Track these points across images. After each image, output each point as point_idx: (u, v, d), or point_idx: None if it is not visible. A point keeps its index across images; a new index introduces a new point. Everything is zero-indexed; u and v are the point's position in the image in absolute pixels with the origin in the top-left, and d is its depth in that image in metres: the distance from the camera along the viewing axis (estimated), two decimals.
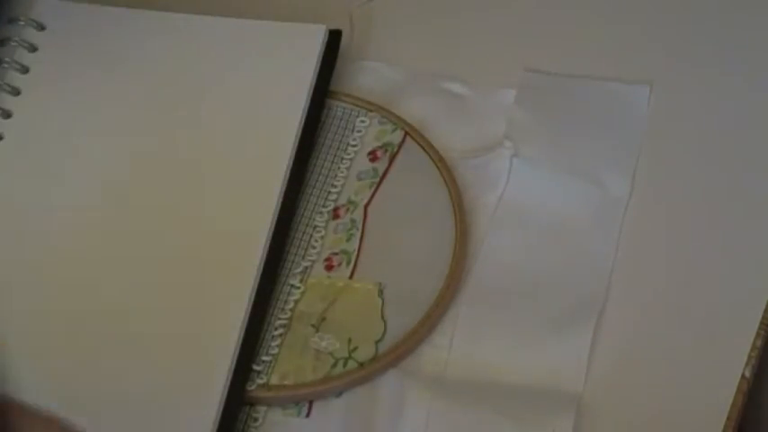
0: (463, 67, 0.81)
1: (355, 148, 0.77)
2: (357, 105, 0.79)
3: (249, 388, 0.67)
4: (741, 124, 0.77)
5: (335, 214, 0.74)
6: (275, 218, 0.71)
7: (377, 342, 0.68)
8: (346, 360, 0.68)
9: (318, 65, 0.77)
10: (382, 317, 0.69)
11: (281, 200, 0.72)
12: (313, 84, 0.77)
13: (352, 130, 0.77)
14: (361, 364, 0.68)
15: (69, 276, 0.71)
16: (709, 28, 0.82)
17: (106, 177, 0.74)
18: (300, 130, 0.75)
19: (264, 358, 0.68)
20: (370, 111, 0.78)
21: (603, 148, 0.77)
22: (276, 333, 0.69)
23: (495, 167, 0.76)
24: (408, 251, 0.72)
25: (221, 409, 0.65)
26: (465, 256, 0.72)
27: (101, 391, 0.66)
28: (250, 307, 0.68)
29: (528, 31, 0.83)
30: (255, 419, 0.67)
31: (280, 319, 0.70)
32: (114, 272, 0.70)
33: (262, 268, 0.70)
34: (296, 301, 0.70)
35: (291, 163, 0.73)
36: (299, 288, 0.71)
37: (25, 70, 0.78)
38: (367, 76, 0.82)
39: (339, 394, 0.68)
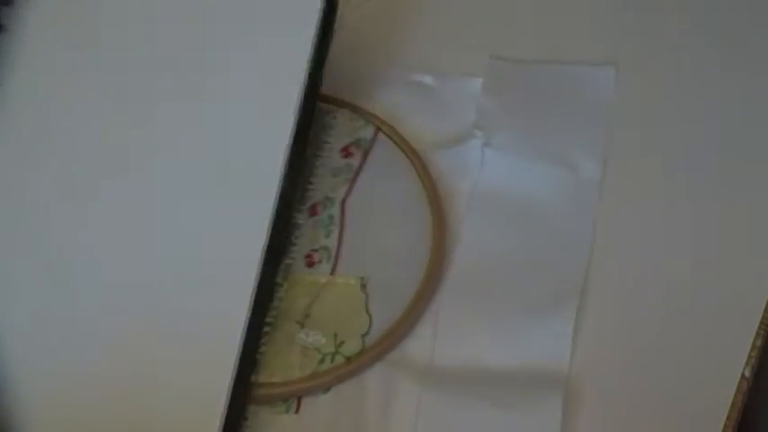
0: (429, 58, 0.82)
1: (328, 145, 0.77)
2: (326, 102, 0.79)
3: None
4: (706, 99, 0.79)
5: (313, 211, 0.74)
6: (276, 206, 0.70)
7: (363, 336, 0.69)
8: (333, 355, 0.68)
9: (317, 32, 0.74)
10: (367, 310, 0.70)
11: (282, 180, 0.71)
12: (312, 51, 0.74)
13: (324, 127, 0.78)
14: (349, 359, 0.68)
15: (66, 264, 0.69)
16: (670, 7, 0.83)
17: (97, 152, 0.72)
18: (301, 101, 0.72)
19: None
20: (341, 107, 0.79)
21: (573, 132, 0.77)
22: (261, 331, 0.70)
23: (468, 158, 0.77)
24: (388, 244, 0.73)
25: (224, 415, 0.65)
26: (444, 247, 0.72)
27: (105, 398, 0.66)
28: (251, 305, 0.68)
29: (492, 18, 0.84)
30: (245, 419, 0.67)
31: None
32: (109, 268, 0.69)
33: (262, 259, 0.69)
34: (279, 299, 0.71)
35: (292, 138, 0.71)
36: (281, 285, 0.71)
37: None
38: (335, 70, 0.81)
39: (327, 390, 0.68)
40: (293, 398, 0.68)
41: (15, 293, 0.69)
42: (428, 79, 0.81)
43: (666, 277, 0.71)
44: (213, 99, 0.74)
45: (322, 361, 0.68)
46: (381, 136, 0.77)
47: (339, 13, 0.78)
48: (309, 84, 0.73)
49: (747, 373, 0.67)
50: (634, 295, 0.70)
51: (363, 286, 0.71)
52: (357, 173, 0.76)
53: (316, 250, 0.73)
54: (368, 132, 0.77)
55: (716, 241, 0.72)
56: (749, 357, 0.67)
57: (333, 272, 0.72)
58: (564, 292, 0.70)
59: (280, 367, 0.68)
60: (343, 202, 0.74)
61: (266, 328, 0.70)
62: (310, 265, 0.72)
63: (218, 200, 0.71)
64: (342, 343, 0.69)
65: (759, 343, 0.67)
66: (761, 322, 0.68)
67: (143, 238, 0.70)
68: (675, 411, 0.66)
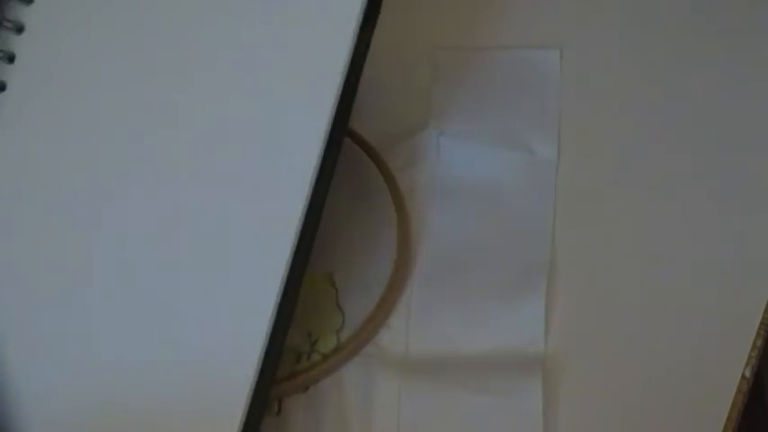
0: (375, 51, 0.82)
1: None
2: None
3: None
4: (647, 76, 0.80)
5: None
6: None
7: (337, 331, 0.69)
8: (309, 353, 0.68)
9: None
10: (338, 306, 0.70)
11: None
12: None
13: None
14: (325, 356, 0.68)
15: (71, 277, 0.64)
16: None
17: (113, 155, 0.65)
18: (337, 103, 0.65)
19: None
20: None
21: (525, 114, 0.78)
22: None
23: (424, 148, 0.77)
24: (353, 240, 0.73)
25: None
26: (409, 238, 0.73)
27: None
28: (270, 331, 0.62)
29: (436, 8, 0.84)
30: None
31: None
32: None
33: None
34: None
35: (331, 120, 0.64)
36: None
37: (20, 29, 0.65)
38: None
39: (306, 389, 0.68)
40: (274, 400, 0.68)
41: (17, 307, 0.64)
42: (376, 74, 0.81)
43: (638, 257, 0.72)
44: (240, 97, 0.65)
45: (298, 360, 0.68)
46: None
47: None
48: (347, 81, 0.66)
49: (747, 374, 0.67)
50: (605, 273, 0.71)
51: (333, 282, 0.71)
52: None
53: None
54: None
55: (702, 233, 0.73)
56: (749, 357, 0.67)
57: None
58: (532, 273, 0.71)
59: None
60: None
61: None
62: None
63: (239, 210, 0.64)
64: (317, 340, 0.69)
65: (759, 343, 0.68)
66: (761, 322, 0.68)
67: (156, 249, 0.64)
68: (675, 411, 0.67)
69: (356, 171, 0.75)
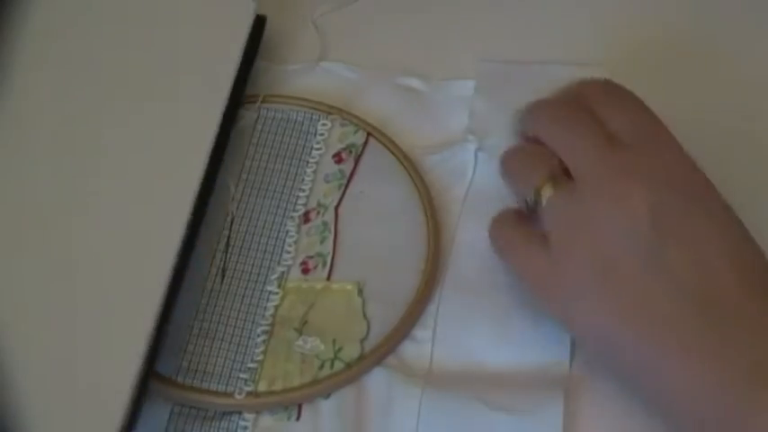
0: (419, 61, 0.82)
1: (320, 152, 0.77)
2: (317, 109, 0.79)
3: (237, 396, 0.67)
4: (694, 98, 0.79)
5: (306, 218, 0.74)
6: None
7: (362, 341, 0.69)
8: (332, 361, 0.68)
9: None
10: (364, 315, 0.70)
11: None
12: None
13: (315, 134, 0.78)
14: (348, 364, 0.68)
15: None
16: (656, 6, 0.83)
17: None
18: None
19: (250, 365, 0.68)
20: (330, 113, 0.78)
21: None
22: (259, 340, 0.69)
23: (461, 161, 0.76)
24: (383, 249, 0.73)
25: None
26: (440, 251, 0.72)
27: None
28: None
29: (481, 19, 0.84)
30: (245, 428, 0.67)
31: (261, 325, 0.70)
32: None
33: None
34: (276, 307, 0.71)
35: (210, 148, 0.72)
36: (277, 293, 0.71)
37: None
38: (323, 77, 0.81)
39: (327, 396, 0.68)
40: (294, 405, 0.68)
41: None
42: (417, 83, 0.81)
43: None
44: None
45: (321, 367, 0.68)
46: (373, 141, 0.77)
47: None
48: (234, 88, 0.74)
49: None
50: None
51: (360, 291, 0.71)
52: (350, 178, 0.75)
53: (311, 257, 0.72)
54: (359, 138, 0.77)
55: None
56: None
57: (329, 278, 0.72)
58: None
59: (279, 375, 0.68)
60: (337, 207, 0.74)
61: (263, 337, 0.69)
62: (306, 272, 0.72)
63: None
64: (340, 349, 0.69)
65: None
66: None
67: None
68: None
69: (390, 180, 0.75)
